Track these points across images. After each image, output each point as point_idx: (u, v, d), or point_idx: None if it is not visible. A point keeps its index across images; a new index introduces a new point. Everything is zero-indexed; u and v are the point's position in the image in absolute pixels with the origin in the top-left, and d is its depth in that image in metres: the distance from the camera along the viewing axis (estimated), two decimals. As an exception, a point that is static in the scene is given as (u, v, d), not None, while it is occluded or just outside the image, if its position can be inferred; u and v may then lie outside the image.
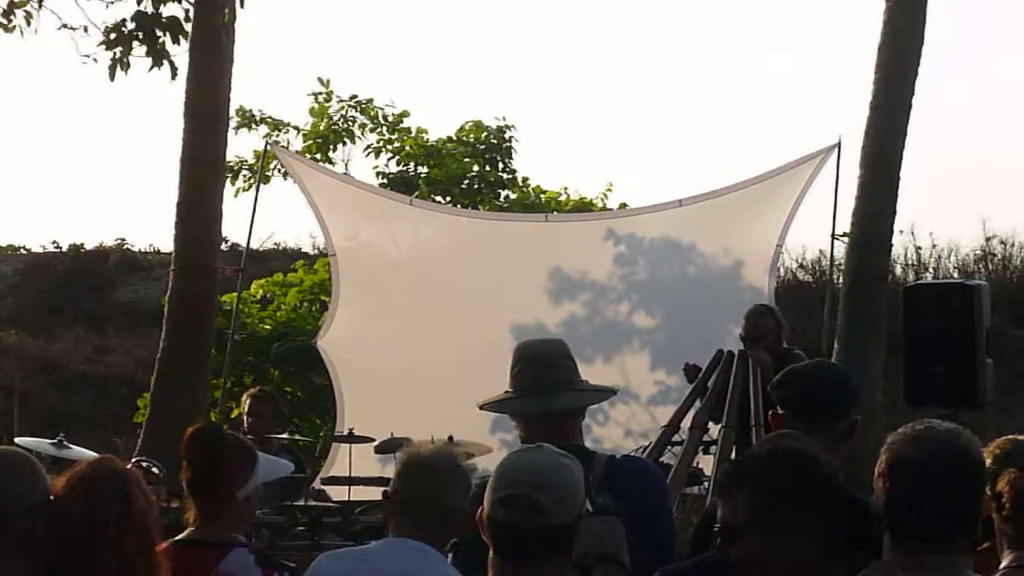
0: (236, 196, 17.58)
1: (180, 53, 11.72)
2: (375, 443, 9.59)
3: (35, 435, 9.50)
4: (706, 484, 8.75)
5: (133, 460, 8.63)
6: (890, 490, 3.05)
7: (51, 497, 3.26)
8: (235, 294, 12.96)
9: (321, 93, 18.96)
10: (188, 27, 11.68)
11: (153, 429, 11.65)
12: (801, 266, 19.30)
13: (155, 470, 8.22)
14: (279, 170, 17.17)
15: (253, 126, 18.73)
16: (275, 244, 22.57)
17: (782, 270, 17.19)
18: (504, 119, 19.00)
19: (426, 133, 18.97)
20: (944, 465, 3.02)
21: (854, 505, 3.80)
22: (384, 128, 18.94)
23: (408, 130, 18.92)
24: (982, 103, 27.13)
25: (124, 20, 11.55)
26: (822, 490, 2.97)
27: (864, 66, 12.47)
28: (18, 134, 31.53)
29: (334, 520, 9.16)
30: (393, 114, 19.00)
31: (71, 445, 8.14)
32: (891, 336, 11.63)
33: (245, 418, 9.47)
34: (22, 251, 23.73)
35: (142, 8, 11.48)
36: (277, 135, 18.66)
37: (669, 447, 8.50)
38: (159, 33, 11.42)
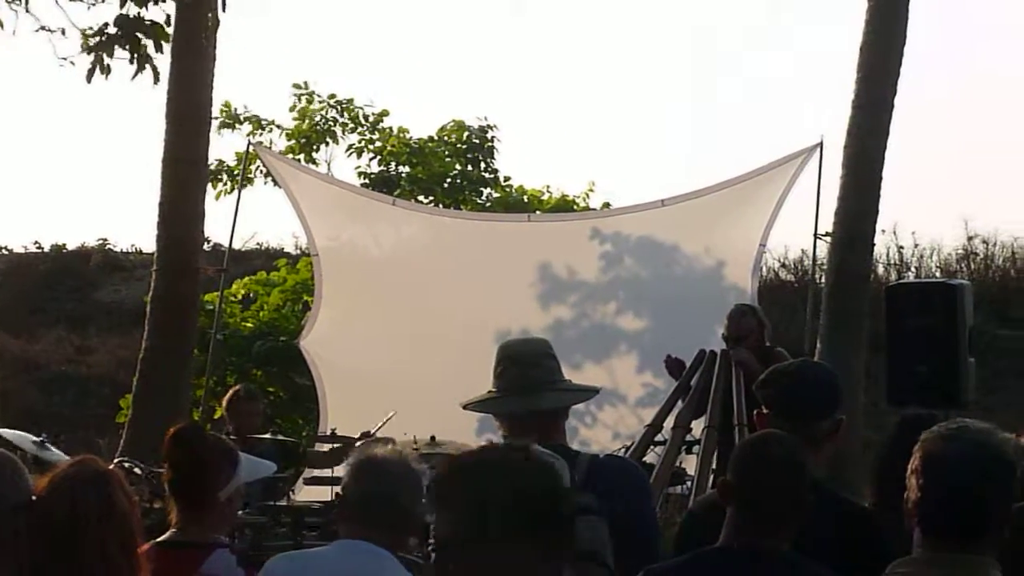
0: (217, 199, 17.54)
1: (162, 55, 11.68)
2: (357, 442, 9.55)
3: (17, 435, 9.46)
4: (689, 484, 8.75)
5: (115, 460, 8.59)
6: (922, 487, 3.05)
7: (33, 497, 3.24)
8: (217, 294, 12.94)
9: (303, 93, 18.91)
10: (170, 31, 11.64)
11: (135, 429, 11.64)
12: (784, 266, 19.35)
13: (137, 470, 8.19)
14: (261, 171, 17.13)
15: (237, 125, 18.66)
16: (258, 244, 22.58)
17: (764, 270, 17.22)
18: (486, 119, 19.02)
19: (407, 132, 18.94)
20: (975, 464, 3.02)
21: (842, 505, 3.83)
22: (364, 128, 18.89)
23: (389, 130, 18.88)
24: (965, 103, 27.23)
25: (106, 24, 11.49)
26: (537, 498, 2.57)
27: (851, 66, 12.51)
28: (-1, 134, 31.44)
29: (317, 520, 9.13)
30: (373, 114, 18.99)
31: (52, 447, 8.10)
32: (873, 335, 11.65)
33: (232, 418, 9.28)
34: (3, 251, 23.63)
35: (124, 12, 11.40)
36: (260, 134, 18.60)
37: (652, 447, 8.51)
38: (142, 38, 11.36)
